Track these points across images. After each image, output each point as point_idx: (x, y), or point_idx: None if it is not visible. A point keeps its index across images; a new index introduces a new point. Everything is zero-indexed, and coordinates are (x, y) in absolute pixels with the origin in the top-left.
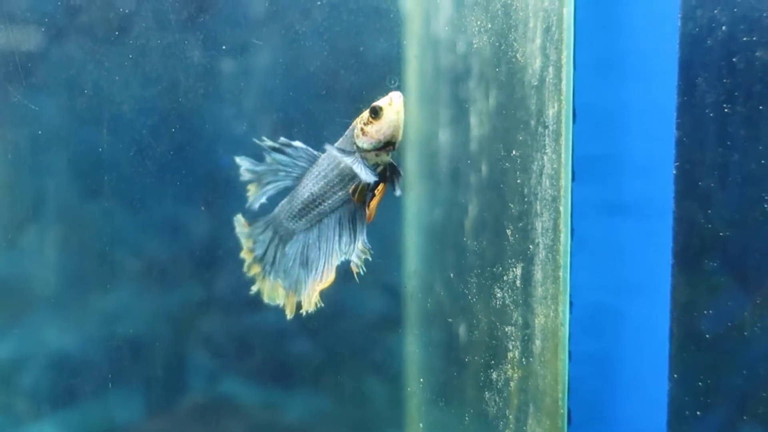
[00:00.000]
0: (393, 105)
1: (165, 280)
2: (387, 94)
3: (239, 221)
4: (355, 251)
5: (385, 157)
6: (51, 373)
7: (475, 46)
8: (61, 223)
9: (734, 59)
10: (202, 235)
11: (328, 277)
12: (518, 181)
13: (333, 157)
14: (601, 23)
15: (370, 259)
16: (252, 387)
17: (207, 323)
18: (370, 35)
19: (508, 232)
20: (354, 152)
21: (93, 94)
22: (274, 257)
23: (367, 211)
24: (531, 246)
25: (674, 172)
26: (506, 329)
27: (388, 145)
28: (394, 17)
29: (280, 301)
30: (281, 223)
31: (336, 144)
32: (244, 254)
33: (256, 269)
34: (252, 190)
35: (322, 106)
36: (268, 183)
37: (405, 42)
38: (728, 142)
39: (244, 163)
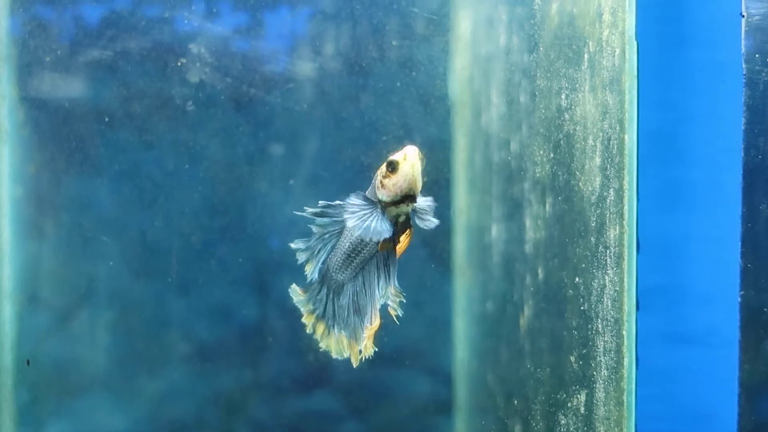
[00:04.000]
0: (408, 159)
1: (214, 364)
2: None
3: (295, 291)
4: (388, 294)
5: (406, 208)
6: None
7: (530, 149)
8: (112, 306)
9: None
10: (251, 318)
11: (375, 321)
12: (577, 293)
13: (359, 206)
14: (664, 152)
15: (404, 300)
16: None
17: (255, 407)
18: (419, 121)
19: (572, 359)
20: (376, 203)
21: (144, 178)
22: (333, 311)
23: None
24: (593, 364)
25: (739, 300)
26: None
27: (406, 198)
28: (442, 104)
29: (346, 353)
30: (331, 277)
31: (366, 192)
32: (305, 319)
33: (320, 328)
34: (308, 268)
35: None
36: (320, 251)
37: (454, 129)
38: None
39: (298, 245)
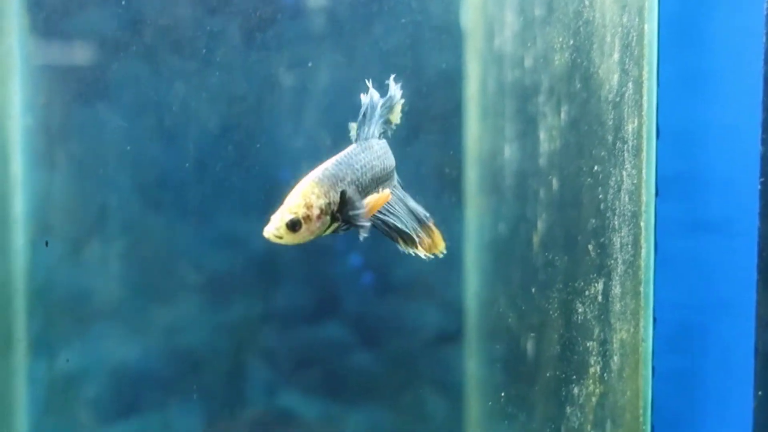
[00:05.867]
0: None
1: (225, 293)
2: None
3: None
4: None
5: (335, 225)
6: (112, 384)
7: (545, 61)
8: (123, 236)
9: None
10: (261, 248)
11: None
12: (594, 196)
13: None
14: (683, 40)
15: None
16: (310, 401)
17: (266, 336)
18: (430, 50)
19: (590, 247)
20: None
21: (155, 109)
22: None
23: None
24: (610, 261)
25: (759, 188)
26: (587, 344)
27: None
28: (454, 33)
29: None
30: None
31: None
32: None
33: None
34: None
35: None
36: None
37: (465, 58)
38: None
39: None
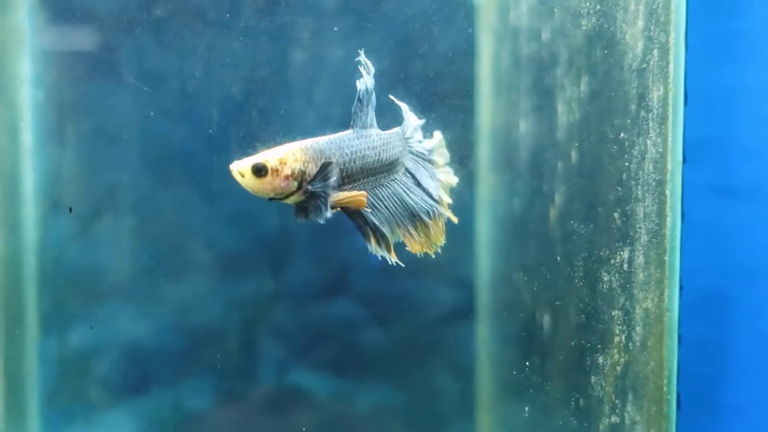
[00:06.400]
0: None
1: (237, 271)
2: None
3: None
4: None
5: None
6: (123, 361)
7: (563, 33)
8: (134, 212)
9: None
10: (273, 226)
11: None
12: (617, 165)
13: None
14: (712, 4)
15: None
16: (322, 378)
17: (278, 314)
18: (443, 24)
19: (613, 217)
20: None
21: (166, 85)
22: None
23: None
24: (632, 231)
25: None
26: (613, 313)
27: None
28: (467, 6)
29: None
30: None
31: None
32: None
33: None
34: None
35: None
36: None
37: (478, 32)
38: None
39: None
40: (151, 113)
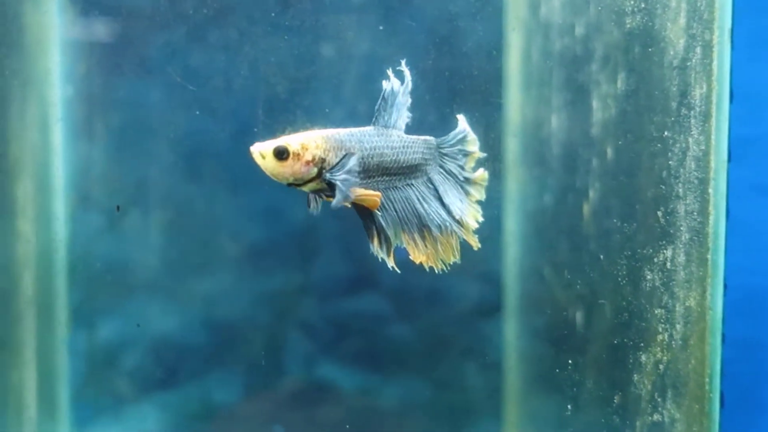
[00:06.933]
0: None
1: (264, 265)
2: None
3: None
4: None
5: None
6: (151, 355)
7: (599, 29)
8: (163, 207)
9: None
10: (301, 220)
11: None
12: (656, 163)
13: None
14: (756, 3)
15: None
16: (349, 372)
17: (305, 308)
18: (471, 19)
19: (654, 215)
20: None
21: (196, 80)
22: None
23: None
24: (673, 229)
25: None
26: (656, 311)
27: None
28: (495, 1)
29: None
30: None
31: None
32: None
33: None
34: None
35: (419, 92)
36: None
37: (507, 27)
38: None
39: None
40: (180, 108)
